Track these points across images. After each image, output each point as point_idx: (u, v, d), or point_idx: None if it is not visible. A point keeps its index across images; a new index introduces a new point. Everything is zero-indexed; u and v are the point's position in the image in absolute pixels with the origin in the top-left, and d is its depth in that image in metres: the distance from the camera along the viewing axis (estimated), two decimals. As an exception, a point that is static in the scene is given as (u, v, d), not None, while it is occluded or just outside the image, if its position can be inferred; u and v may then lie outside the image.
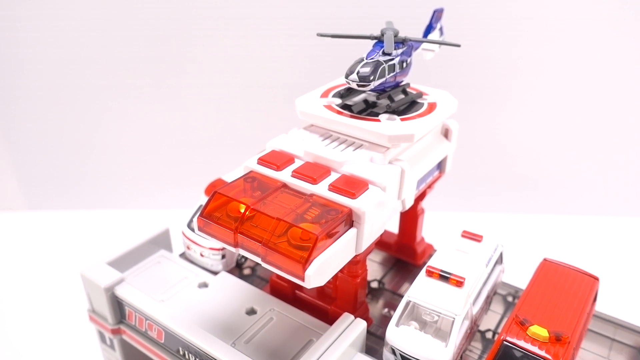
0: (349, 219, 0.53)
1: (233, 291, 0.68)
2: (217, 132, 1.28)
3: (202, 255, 0.73)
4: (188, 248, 0.75)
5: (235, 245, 0.53)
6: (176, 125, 1.29)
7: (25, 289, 1.10)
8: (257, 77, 1.20)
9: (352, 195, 0.53)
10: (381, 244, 0.81)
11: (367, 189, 0.54)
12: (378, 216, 0.55)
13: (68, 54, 1.19)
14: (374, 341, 0.65)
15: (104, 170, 1.35)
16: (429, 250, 0.80)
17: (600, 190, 1.31)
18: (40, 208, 1.38)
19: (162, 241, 0.77)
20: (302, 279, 0.48)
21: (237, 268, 0.77)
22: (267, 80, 1.20)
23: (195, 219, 0.76)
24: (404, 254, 0.80)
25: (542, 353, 0.51)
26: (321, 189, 0.54)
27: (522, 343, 0.52)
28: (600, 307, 0.68)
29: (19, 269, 1.16)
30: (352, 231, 0.53)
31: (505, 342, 0.53)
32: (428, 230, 0.81)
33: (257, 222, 0.52)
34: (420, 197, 0.72)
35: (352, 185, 0.54)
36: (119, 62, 1.20)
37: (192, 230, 0.75)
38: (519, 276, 0.73)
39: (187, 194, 1.15)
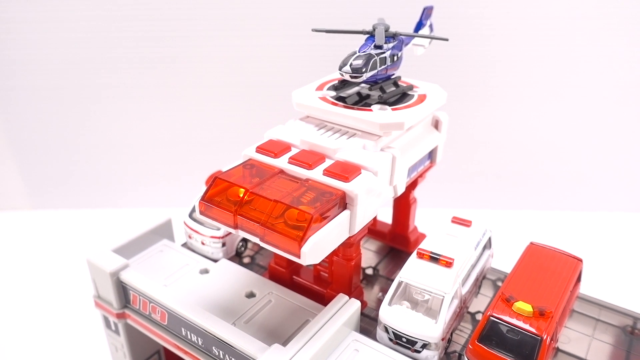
0: (343, 202, 0.56)
1: (233, 277, 0.70)
2: (216, 130, 1.31)
3: (203, 243, 0.76)
4: (190, 237, 0.78)
5: (235, 227, 0.55)
6: (176, 125, 1.32)
7: (30, 285, 1.12)
8: (254, 75, 1.23)
9: (346, 179, 0.56)
10: (376, 233, 0.84)
11: (360, 173, 0.57)
12: (370, 199, 0.58)
13: (69, 54, 1.22)
14: (368, 323, 0.67)
15: (106, 170, 1.37)
16: (422, 239, 0.83)
17: (591, 186, 1.34)
18: (43, 207, 1.41)
19: (164, 231, 0.80)
20: (299, 256, 0.51)
21: (237, 257, 0.80)
22: (264, 79, 1.23)
23: (197, 205, 0.79)
24: (397, 242, 0.82)
25: (527, 327, 0.54)
26: (316, 174, 0.57)
27: (507, 318, 0.55)
28: (587, 290, 0.71)
29: (23, 266, 1.18)
30: (346, 213, 0.56)
31: (491, 318, 0.56)
32: (420, 225, 0.84)
33: (256, 205, 0.55)
34: (412, 186, 0.75)
35: (346, 170, 0.57)
36: (120, 62, 1.23)
37: (194, 220, 0.78)
38: (509, 264, 0.76)
39: (188, 192, 1.18)
